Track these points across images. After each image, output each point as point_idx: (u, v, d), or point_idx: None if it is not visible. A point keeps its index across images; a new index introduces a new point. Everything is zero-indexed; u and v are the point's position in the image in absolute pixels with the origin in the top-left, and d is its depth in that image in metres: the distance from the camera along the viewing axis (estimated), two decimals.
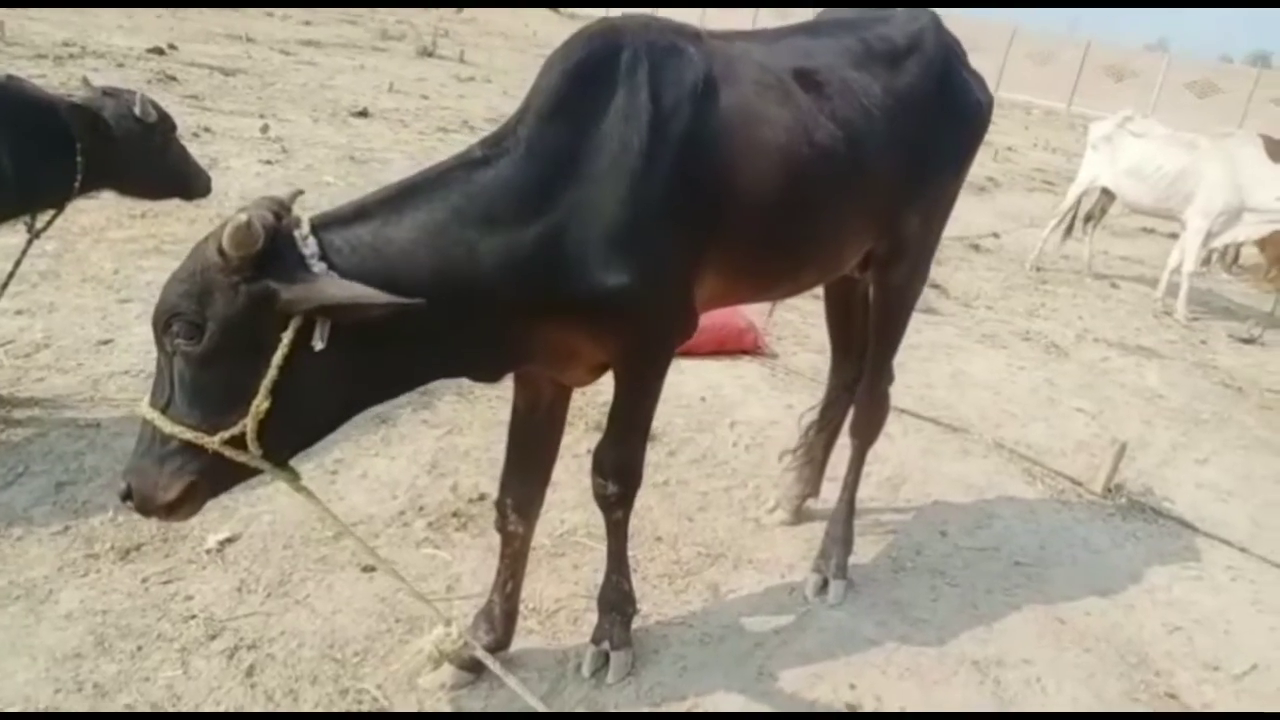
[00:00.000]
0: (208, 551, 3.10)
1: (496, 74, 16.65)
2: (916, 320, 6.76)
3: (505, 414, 4.28)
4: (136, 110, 3.68)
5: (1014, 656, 3.22)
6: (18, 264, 3.70)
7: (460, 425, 4.19)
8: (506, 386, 4.58)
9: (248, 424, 1.94)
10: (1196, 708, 3.17)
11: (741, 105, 2.46)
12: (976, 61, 3.34)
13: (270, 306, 1.88)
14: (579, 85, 2.25)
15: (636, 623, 2.97)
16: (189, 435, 1.93)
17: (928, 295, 7.48)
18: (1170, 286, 8.64)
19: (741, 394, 5.03)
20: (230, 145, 8.20)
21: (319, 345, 1.91)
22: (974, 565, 3.74)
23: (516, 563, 2.79)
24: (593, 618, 2.93)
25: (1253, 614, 3.78)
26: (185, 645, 2.69)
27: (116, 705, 2.46)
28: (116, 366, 4.20)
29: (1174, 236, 12.14)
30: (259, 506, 3.36)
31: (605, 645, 2.83)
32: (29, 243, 3.68)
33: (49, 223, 3.69)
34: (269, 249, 1.88)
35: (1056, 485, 4.60)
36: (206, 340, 1.89)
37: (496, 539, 3.17)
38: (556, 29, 32.19)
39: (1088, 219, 9.79)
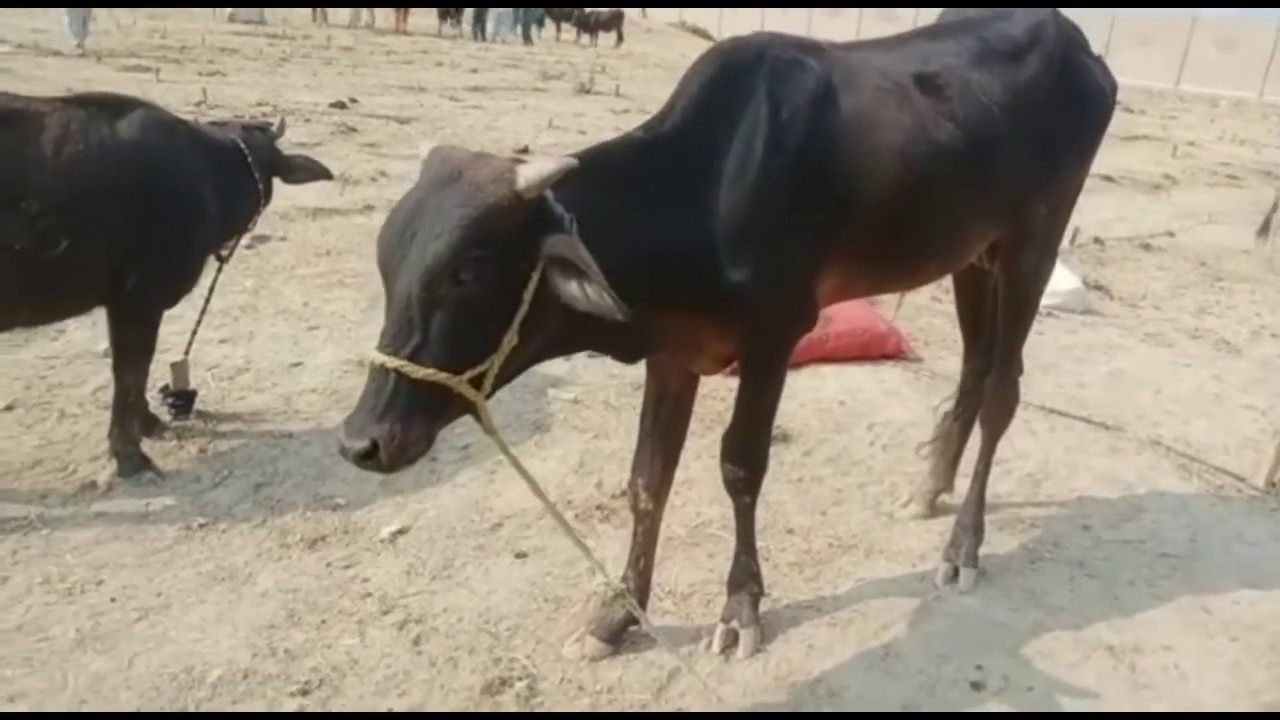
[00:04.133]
0: (381, 541, 3.48)
1: (651, 104, 17.00)
2: (1073, 321, 6.70)
3: None
4: (274, 129, 4.18)
5: (1153, 644, 3.20)
6: (212, 290, 4.22)
7: (606, 431, 4.47)
8: None
9: (495, 362, 2.07)
10: None
11: (859, 111, 2.64)
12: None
13: (533, 244, 2.03)
14: (711, 97, 2.48)
15: (766, 605, 3.14)
16: (442, 378, 1.97)
17: (1088, 296, 7.30)
18: None
19: (882, 397, 5.10)
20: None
21: None
22: (1116, 557, 3.71)
23: (648, 540, 3.02)
24: (725, 600, 3.13)
25: None
26: (362, 619, 3.06)
27: (303, 668, 2.83)
28: (306, 385, 4.71)
29: None
30: (426, 502, 3.73)
31: (734, 623, 3.01)
32: (219, 270, 4.16)
33: (233, 248, 4.17)
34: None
35: (1215, 481, 4.45)
36: (487, 281, 1.98)
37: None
38: None
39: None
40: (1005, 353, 3.47)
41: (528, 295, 2.05)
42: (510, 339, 2.06)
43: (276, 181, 4.17)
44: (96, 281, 3.40)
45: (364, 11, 30.52)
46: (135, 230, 3.38)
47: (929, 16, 3.58)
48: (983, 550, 3.53)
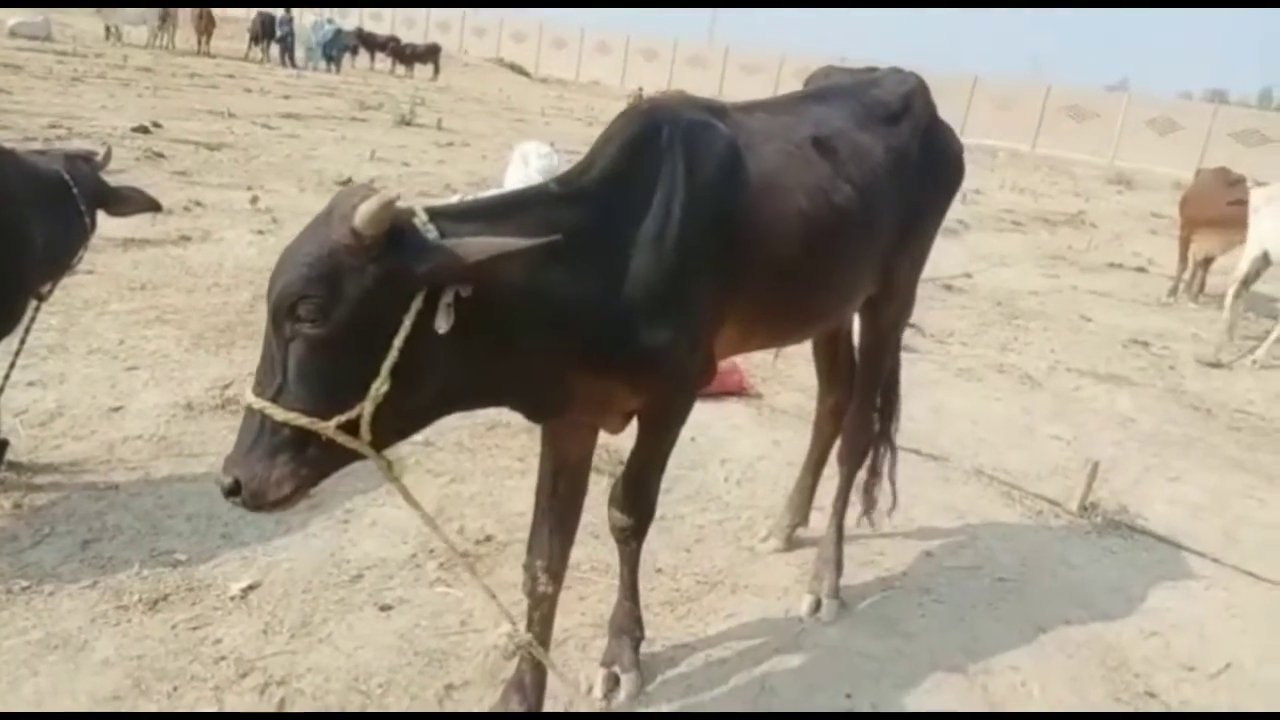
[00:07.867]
0: (231, 598, 3.25)
1: (474, 139, 17.06)
2: None
3: (504, 462, 4.52)
4: (98, 158, 3.91)
5: (1001, 665, 3.40)
6: (27, 331, 3.84)
7: (462, 474, 4.37)
8: (501, 439, 4.76)
9: (365, 408, 1.97)
10: (1175, 705, 3.35)
11: (767, 174, 2.70)
12: (942, 110, 3.62)
13: (396, 286, 1.94)
14: (629, 158, 2.45)
15: (642, 648, 3.14)
16: (304, 422, 1.94)
17: (905, 334, 7.74)
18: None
19: (730, 432, 5.23)
20: (222, 218, 8.43)
21: (443, 327, 1.98)
22: (959, 583, 3.93)
23: (545, 626, 2.84)
24: (600, 644, 3.11)
25: (1226, 618, 3.97)
26: (218, 684, 2.84)
27: None
28: (129, 432, 4.36)
29: (1141, 270, 12.60)
30: (277, 555, 3.52)
31: (616, 668, 2.99)
32: (36, 309, 3.79)
33: (53, 286, 3.82)
34: (396, 229, 1.94)
35: (1034, 507, 4.81)
36: (333, 322, 1.92)
37: (503, 577, 3.36)
38: (528, 90, 32.89)
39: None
40: (863, 394, 3.66)
41: (398, 341, 1.97)
42: (380, 385, 1.97)
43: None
44: None
45: (162, 31, 28.85)
46: None
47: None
48: (840, 580, 3.67)
